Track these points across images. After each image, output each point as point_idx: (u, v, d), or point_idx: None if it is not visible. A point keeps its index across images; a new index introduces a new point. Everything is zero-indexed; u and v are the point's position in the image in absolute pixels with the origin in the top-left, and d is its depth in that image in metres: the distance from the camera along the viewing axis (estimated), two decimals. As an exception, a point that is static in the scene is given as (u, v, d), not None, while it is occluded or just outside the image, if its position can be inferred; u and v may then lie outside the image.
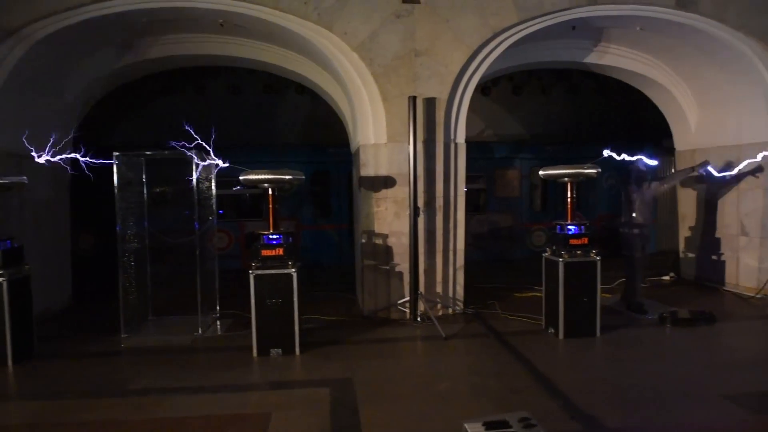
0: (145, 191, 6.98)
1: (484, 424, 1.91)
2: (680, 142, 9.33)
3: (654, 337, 6.13)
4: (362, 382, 4.83)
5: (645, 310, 6.91)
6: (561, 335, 5.96)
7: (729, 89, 8.05)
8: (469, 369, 5.38)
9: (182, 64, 8.73)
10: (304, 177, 5.79)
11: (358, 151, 7.23)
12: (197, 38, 7.57)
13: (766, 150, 7.55)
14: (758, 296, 7.50)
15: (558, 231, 6.09)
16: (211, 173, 6.77)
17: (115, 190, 6.27)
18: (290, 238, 5.71)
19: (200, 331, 6.36)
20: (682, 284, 8.75)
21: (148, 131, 11.12)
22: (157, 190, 9.28)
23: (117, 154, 6.26)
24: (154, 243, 7.04)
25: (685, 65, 8.43)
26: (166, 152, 6.53)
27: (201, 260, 6.52)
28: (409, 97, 6.43)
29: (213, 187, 6.88)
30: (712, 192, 8.48)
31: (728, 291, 8.16)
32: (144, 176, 6.95)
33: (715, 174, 7.91)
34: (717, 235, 8.44)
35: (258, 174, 5.55)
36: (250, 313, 5.57)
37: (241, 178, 5.60)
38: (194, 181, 6.41)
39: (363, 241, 7.03)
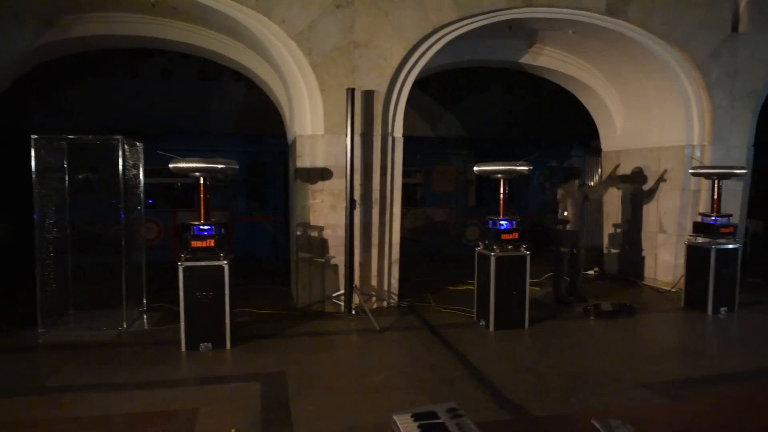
0: (66, 178, 6.59)
1: (412, 416, 1.91)
2: (607, 143, 9.77)
3: (578, 329, 6.41)
4: (295, 375, 4.78)
5: (570, 303, 7.20)
6: (492, 327, 6.12)
7: (652, 94, 8.49)
8: (403, 361, 5.44)
9: (111, 45, 8.28)
10: (237, 166, 5.63)
11: (294, 141, 7.12)
12: (126, 18, 7.19)
13: (683, 153, 8.03)
14: (674, 290, 7.97)
15: (490, 226, 6.24)
16: (138, 160, 6.49)
17: (33, 176, 5.89)
18: (222, 230, 5.55)
19: (125, 326, 6.09)
20: (605, 278, 9.18)
21: (73, 114, 10.54)
22: (80, 176, 8.80)
23: (35, 137, 5.88)
24: (77, 233, 6.67)
25: (613, 70, 8.82)
26: (90, 137, 6.21)
27: (127, 251, 6.23)
28: (348, 89, 6.38)
29: (141, 175, 6.58)
30: (634, 191, 8.93)
31: (647, 285, 8.64)
32: (66, 162, 6.55)
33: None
34: (638, 232, 8.91)
35: (189, 162, 5.35)
36: (179, 306, 5.38)
37: (170, 166, 5.38)
38: (120, 168, 6.11)
39: (298, 233, 6.94)
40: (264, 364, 5.08)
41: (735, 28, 7.92)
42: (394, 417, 1.93)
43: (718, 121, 7.97)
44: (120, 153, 6.16)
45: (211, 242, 5.42)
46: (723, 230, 6.94)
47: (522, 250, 6.16)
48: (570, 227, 7.17)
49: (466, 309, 6.80)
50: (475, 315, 6.51)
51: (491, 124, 13.53)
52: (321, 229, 6.80)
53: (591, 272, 9.26)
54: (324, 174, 6.73)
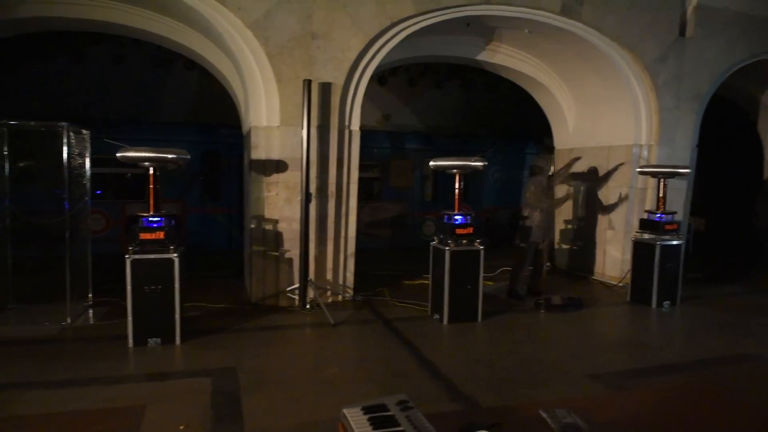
0: (6, 166, 6.28)
1: (362, 409, 1.91)
2: (559, 142, 9.99)
3: (529, 322, 6.54)
4: (247, 370, 4.70)
5: (522, 297, 7.35)
6: (445, 321, 6.18)
7: (603, 94, 8.73)
8: (357, 355, 5.43)
9: (58, 28, 7.92)
10: (189, 157, 5.48)
11: (249, 132, 6.99)
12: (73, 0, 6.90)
13: (631, 152, 8.30)
14: (620, 284, 8.24)
15: (445, 220, 6.29)
16: (85, 149, 6.24)
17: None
18: (173, 221, 5.40)
19: (69, 320, 5.86)
20: (556, 273, 9.41)
21: (14, 99, 10.04)
22: (21, 165, 8.41)
23: (-30, 122, 5.57)
24: (18, 223, 6.36)
25: (567, 69, 9.02)
26: (33, 123, 5.93)
27: (72, 243, 5.99)
28: (304, 81, 6.30)
29: (87, 165, 6.33)
30: (585, 188, 9.17)
31: (596, 280, 8.90)
32: (5, 149, 6.23)
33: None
34: (588, 228, 9.17)
35: (137, 151, 5.17)
36: (126, 300, 5.21)
37: (118, 155, 5.19)
38: (65, 156, 5.86)
39: (253, 226, 6.82)
40: (215, 359, 4.98)
41: (682, 32, 8.22)
42: (344, 410, 1.92)
43: (664, 122, 8.26)
44: (65, 141, 5.91)
45: (161, 234, 5.26)
46: (667, 227, 7.21)
47: (476, 244, 6.24)
48: (531, 223, 7.30)
49: (421, 303, 6.84)
50: (429, 309, 6.56)
51: (449, 119, 13.66)
52: (276, 222, 6.70)
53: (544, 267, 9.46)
54: (279, 166, 6.64)
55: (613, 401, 2.75)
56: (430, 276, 6.54)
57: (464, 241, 6.21)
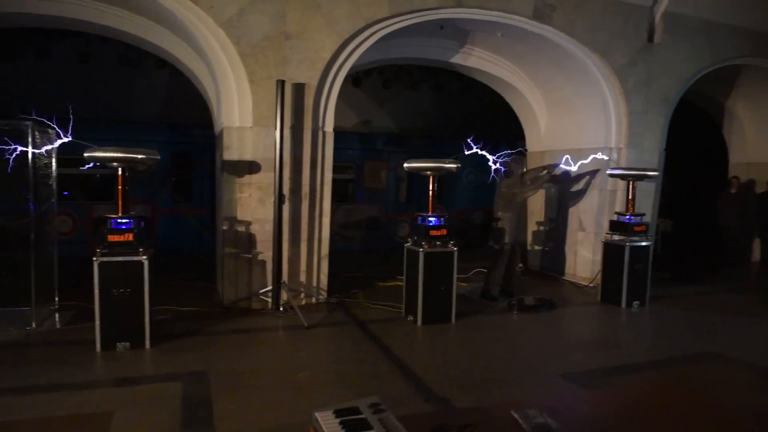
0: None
1: (334, 412, 1.89)
2: (532, 144, 10.11)
3: (502, 323, 6.60)
4: (218, 374, 4.63)
5: (495, 298, 7.41)
6: (419, 322, 6.18)
7: (574, 98, 8.87)
8: (330, 357, 5.40)
9: (23, 24, 7.70)
10: (159, 157, 5.37)
11: (221, 133, 6.90)
12: (38, -5, 6.73)
13: (602, 154, 8.44)
14: (591, 285, 8.36)
15: (419, 222, 6.30)
16: (51, 149, 6.06)
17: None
18: (142, 223, 5.30)
19: (34, 325, 5.69)
20: (528, 274, 9.51)
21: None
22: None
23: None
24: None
25: (539, 73, 9.13)
26: (-4, 121, 5.75)
27: (38, 246, 5.82)
28: (278, 81, 6.24)
29: (53, 165, 6.17)
30: (557, 191, 9.30)
31: (567, 280, 9.03)
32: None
33: (572, 168, 8.62)
34: (559, 230, 9.29)
35: (105, 151, 5.05)
36: (94, 304, 5.08)
37: (85, 155, 5.06)
38: (30, 156, 5.70)
39: (224, 227, 6.73)
40: (186, 363, 4.89)
41: (651, 38, 8.40)
42: (316, 414, 1.90)
43: (633, 126, 8.42)
44: (30, 140, 5.74)
45: (130, 236, 5.15)
46: (636, 228, 7.35)
47: (450, 246, 6.26)
48: (505, 224, 7.36)
49: (394, 304, 6.84)
50: (403, 310, 6.55)
51: (423, 121, 13.70)
52: (248, 223, 6.63)
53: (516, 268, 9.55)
54: (252, 167, 6.57)
55: (584, 400, 2.78)
56: (404, 277, 6.54)
57: (438, 243, 6.23)
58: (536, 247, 9.85)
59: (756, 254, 11.59)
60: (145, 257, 5.13)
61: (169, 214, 10.96)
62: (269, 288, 6.60)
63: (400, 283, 6.73)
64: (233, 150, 6.58)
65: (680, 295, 8.18)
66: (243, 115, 6.56)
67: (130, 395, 4.24)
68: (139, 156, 5.18)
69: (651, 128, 8.59)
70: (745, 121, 11.74)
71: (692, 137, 12.64)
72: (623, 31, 8.17)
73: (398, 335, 5.90)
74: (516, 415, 2.03)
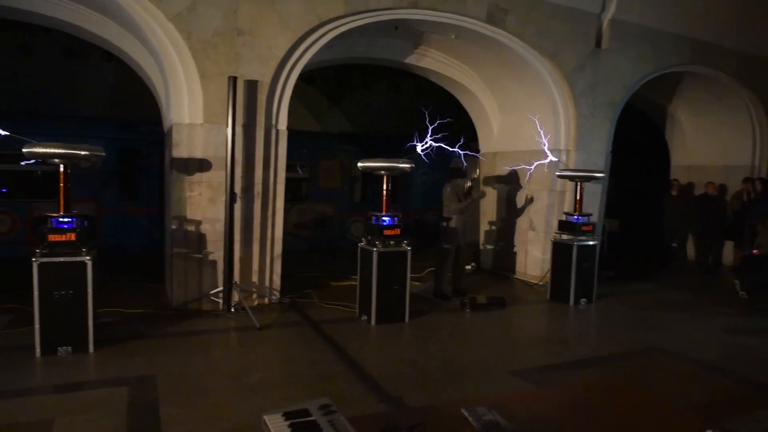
0: None
1: (283, 415, 1.86)
2: (484, 145, 10.28)
3: (455, 321, 6.67)
4: (166, 378, 4.50)
5: (447, 297, 7.49)
6: (373, 322, 6.19)
7: (526, 101, 9.06)
8: (283, 358, 5.33)
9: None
10: (104, 154, 5.17)
11: (171, 130, 6.71)
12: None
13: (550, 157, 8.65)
14: (541, 283, 8.57)
15: (373, 222, 6.30)
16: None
17: None
18: (85, 222, 5.09)
19: (-34, 329, 5.40)
20: (481, 273, 9.66)
21: None
22: None
23: None
24: None
25: (492, 75, 9.29)
26: None
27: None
28: (229, 77, 6.12)
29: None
30: (509, 191, 9.48)
31: (518, 279, 9.22)
32: None
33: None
34: (511, 229, 9.48)
35: (46, 147, 4.83)
36: (33, 307, 4.85)
37: (24, 151, 4.82)
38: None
39: (174, 227, 6.55)
40: (132, 368, 4.73)
41: (598, 44, 8.67)
42: (265, 417, 1.86)
43: (581, 129, 8.68)
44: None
45: (72, 236, 4.94)
46: (584, 228, 7.57)
47: (403, 245, 6.29)
48: (453, 224, 7.44)
49: (348, 304, 6.82)
50: (357, 310, 6.54)
51: (378, 121, 13.72)
52: (198, 222, 6.47)
53: (468, 267, 9.68)
54: (202, 165, 6.41)
55: (532, 397, 2.84)
56: (358, 277, 6.53)
57: (392, 242, 6.24)
58: (488, 247, 10.02)
59: (691, 253, 12.14)
60: (88, 257, 4.93)
61: (115, 213, 10.60)
62: (220, 289, 6.46)
63: (354, 283, 6.72)
64: (183, 147, 6.41)
65: (625, 292, 8.49)
66: (193, 112, 6.40)
67: (72, 402, 4.06)
68: (82, 152, 4.97)
69: (598, 131, 8.87)
70: (686, 125, 12.29)
71: (637, 141, 13.14)
72: (572, 36, 8.40)
73: (352, 335, 5.89)
74: (466, 413, 2.05)
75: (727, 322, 6.99)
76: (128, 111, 10.51)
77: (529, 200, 8.86)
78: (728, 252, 11.41)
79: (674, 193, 11.74)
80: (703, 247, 11.69)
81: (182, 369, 4.76)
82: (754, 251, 8.99)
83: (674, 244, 12.06)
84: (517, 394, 3.59)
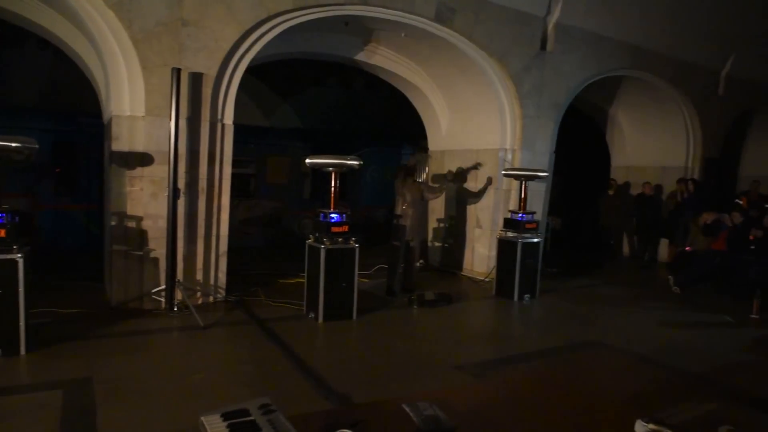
0: None
1: (222, 416, 1.82)
2: (433, 144, 10.39)
3: (402, 317, 6.72)
4: (104, 380, 4.34)
5: (396, 293, 7.54)
6: (320, 319, 6.16)
7: (473, 100, 9.20)
8: (228, 358, 5.23)
9: None
10: (37, 146, 4.93)
11: (110, 122, 6.46)
12: None
13: (497, 155, 8.83)
14: (487, 279, 8.74)
15: (321, 219, 6.27)
16: None
17: None
18: (17, 218, 4.84)
19: None
20: (429, 270, 9.76)
21: None
22: None
23: None
24: None
25: (440, 74, 9.39)
26: None
27: None
28: (173, 69, 5.94)
29: None
30: (456, 189, 9.62)
31: (465, 275, 9.37)
32: None
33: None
34: (458, 227, 9.62)
35: (-28, 139, 4.56)
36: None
37: (-53, 142, 4.54)
38: None
39: (113, 223, 6.31)
40: (67, 370, 4.54)
41: (544, 47, 8.90)
42: (202, 418, 1.82)
43: (526, 129, 8.89)
44: None
45: (2, 232, 4.69)
46: (528, 226, 7.77)
47: (351, 242, 6.28)
48: (405, 221, 7.48)
49: (296, 302, 6.76)
50: (304, 308, 6.50)
51: (328, 117, 13.64)
52: (140, 219, 6.26)
53: (417, 264, 9.76)
54: (144, 159, 6.20)
55: (473, 391, 2.89)
56: (305, 274, 6.48)
57: (340, 239, 6.22)
58: (436, 244, 10.13)
59: (626, 249, 12.67)
60: (19, 255, 4.69)
61: (51, 209, 10.12)
62: (162, 287, 6.28)
63: (302, 280, 6.66)
64: (123, 141, 6.18)
65: (567, 288, 8.77)
66: (134, 104, 6.18)
67: (2, 407, 3.86)
68: (13, 144, 4.71)
69: (542, 132, 9.11)
70: (625, 128, 12.80)
71: (579, 141, 13.58)
72: (519, 38, 8.59)
73: (299, 333, 5.84)
74: (407, 409, 2.06)
75: (662, 315, 7.34)
76: (65, 102, 10.04)
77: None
78: (663, 249, 11.96)
79: (611, 192, 12.22)
80: (639, 244, 12.21)
81: (121, 371, 4.60)
82: (687, 248, 9.46)
83: (612, 242, 12.56)
84: (459, 388, 3.65)
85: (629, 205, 12.13)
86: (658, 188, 12.03)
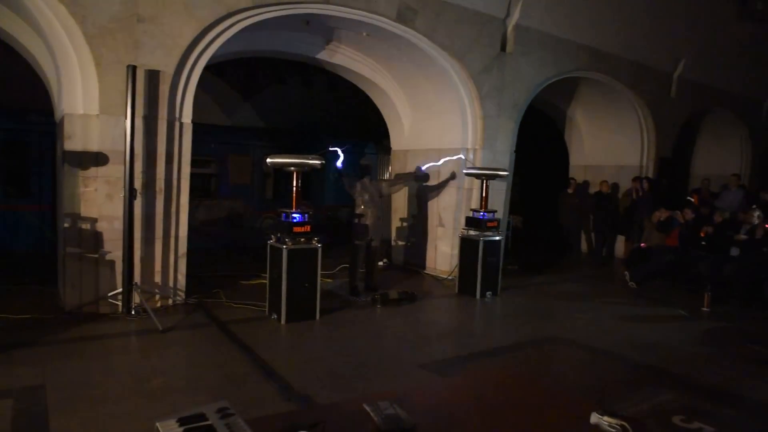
0: None
1: (178, 421, 1.79)
2: (396, 143, 10.42)
3: (366, 317, 6.72)
4: (57, 387, 4.19)
5: (359, 293, 7.53)
6: (283, 320, 6.10)
7: (435, 100, 9.27)
8: (187, 362, 5.13)
9: None
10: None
11: (63, 120, 6.25)
12: None
13: (458, 155, 8.92)
14: (450, 278, 8.82)
15: (283, 219, 6.21)
16: None
17: None
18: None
19: None
20: (392, 269, 9.79)
21: None
22: None
23: None
24: None
25: (403, 74, 9.42)
26: None
27: None
28: (128, 66, 5.78)
29: None
30: (419, 188, 9.67)
31: (428, 274, 9.43)
32: None
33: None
34: (421, 226, 9.68)
35: None
36: None
37: None
38: None
39: (66, 225, 6.10)
40: (18, 378, 4.37)
41: (504, 48, 9.03)
42: (158, 424, 1.78)
43: (487, 129, 9.00)
44: None
45: (-55, 235, 4.48)
46: (489, 224, 7.87)
47: (314, 242, 6.24)
48: (365, 221, 7.47)
49: (258, 303, 6.68)
50: (267, 309, 6.43)
51: (290, 116, 13.52)
52: (94, 220, 6.07)
53: (380, 263, 9.78)
54: (99, 159, 6.02)
55: (435, 388, 2.92)
56: (267, 275, 6.41)
57: (302, 239, 6.18)
58: (400, 243, 10.17)
59: (584, 246, 12.99)
60: (-36, 259, 4.49)
61: (1, 210, 9.72)
62: (119, 290, 6.11)
63: (264, 281, 6.59)
64: (77, 140, 5.99)
65: (527, 285, 8.92)
66: (88, 102, 5.99)
67: (-55, 418, 3.70)
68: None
69: (503, 131, 9.24)
70: (582, 127, 13.11)
71: (539, 141, 13.85)
72: (479, 39, 8.69)
73: (261, 335, 5.78)
74: (368, 408, 2.06)
75: (618, 310, 7.55)
76: (14, 99, 9.64)
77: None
78: (620, 245, 12.31)
79: (570, 191, 12.50)
80: (597, 241, 12.53)
81: (75, 377, 4.45)
82: (642, 244, 9.76)
83: (571, 239, 12.85)
84: (420, 386, 3.68)
85: (588, 203, 12.43)
86: (615, 186, 12.37)
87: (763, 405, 4.56)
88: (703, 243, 8.73)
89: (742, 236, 8.47)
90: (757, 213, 8.57)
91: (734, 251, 8.33)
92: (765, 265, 7.80)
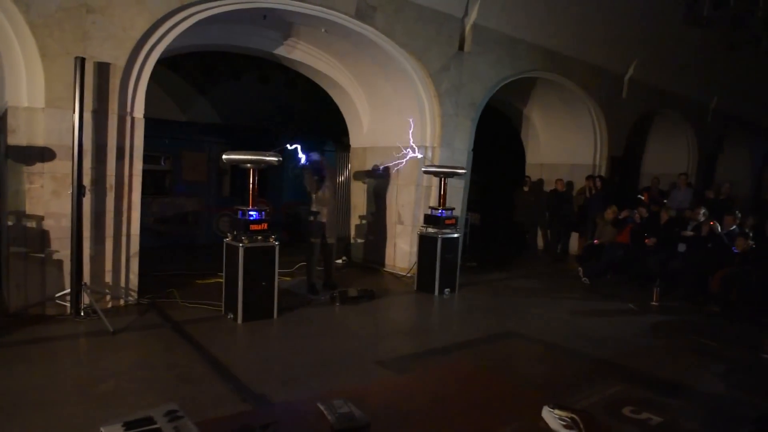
0: None
1: (124, 425, 1.72)
2: (354, 140, 10.39)
3: (324, 315, 6.67)
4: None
5: (317, 291, 7.48)
6: (240, 320, 6.00)
7: (394, 97, 9.28)
8: (139, 364, 4.97)
9: None
10: None
11: (5, 113, 5.96)
12: None
13: (411, 153, 8.95)
14: (409, 275, 8.85)
15: (240, 216, 6.10)
16: None
17: None
18: None
19: None
20: (351, 266, 9.77)
21: None
22: None
23: None
24: None
25: (361, 71, 9.39)
26: None
27: None
28: (76, 58, 5.56)
29: None
30: (378, 185, 9.67)
31: (387, 271, 9.45)
32: None
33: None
34: (380, 223, 9.68)
35: None
36: None
37: None
38: None
39: (10, 223, 5.83)
40: (-45, 384, 4.17)
41: (462, 47, 9.11)
42: (102, 429, 1.71)
43: (445, 127, 9.08)
44: None
45: None
46: (447, 222, 7.94)
47: (271, 240, 6.16)
48: (320, 218, 7.42)
49: (214, 303, 6.55)
50: (223, 308, 6.31)
51: (247, 112, 13.30)
52: (40, 218, 5.82)
53: (339, 261, 9.75)
54: (45, 154, 5.77)
55: (390, 385, 2.92)
56: (223, 274, 6.29)
57: (259, 237, 6.09)
58: (359, 240, 10.15)
59: (539, 242, 13.29)
60: None
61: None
62: (67, 291, 5.88)
63: (221, 280, 6.47)
64: (20, 134, 5.73)
65: (485, 281, 9.06)
66: (33, 95, 5.73)
67: None
68: None
69: (461, 130, 9.34)
70: (538, 126, 13.38)
71: (496, 140, 14.06)
72: (437, 38, 8.74)
73: (216, 335, 5.66)
74: (322, 407, 2.05)
75: (572, 305, 7.74)
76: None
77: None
78: (574, 242, 12.63)
79: (526, 189, 12.75)
80: (552, 238, 12.83)
81: (19, 382, 4.27)
82: (595, 241, 10.03)
83: (526, 236, 13.12)
84: (375, 384, 3.67)
85: (543, 201, 12.70)
86: (570, 185, 12.68)
87: (709, 395, 4.76)
88: (649, 248, 9.01)
89: (689, 233, 8.81)
90: (702, 211, 8.93)
91: (681, 247, 8.66)
92: (710, 260, 8.13)
